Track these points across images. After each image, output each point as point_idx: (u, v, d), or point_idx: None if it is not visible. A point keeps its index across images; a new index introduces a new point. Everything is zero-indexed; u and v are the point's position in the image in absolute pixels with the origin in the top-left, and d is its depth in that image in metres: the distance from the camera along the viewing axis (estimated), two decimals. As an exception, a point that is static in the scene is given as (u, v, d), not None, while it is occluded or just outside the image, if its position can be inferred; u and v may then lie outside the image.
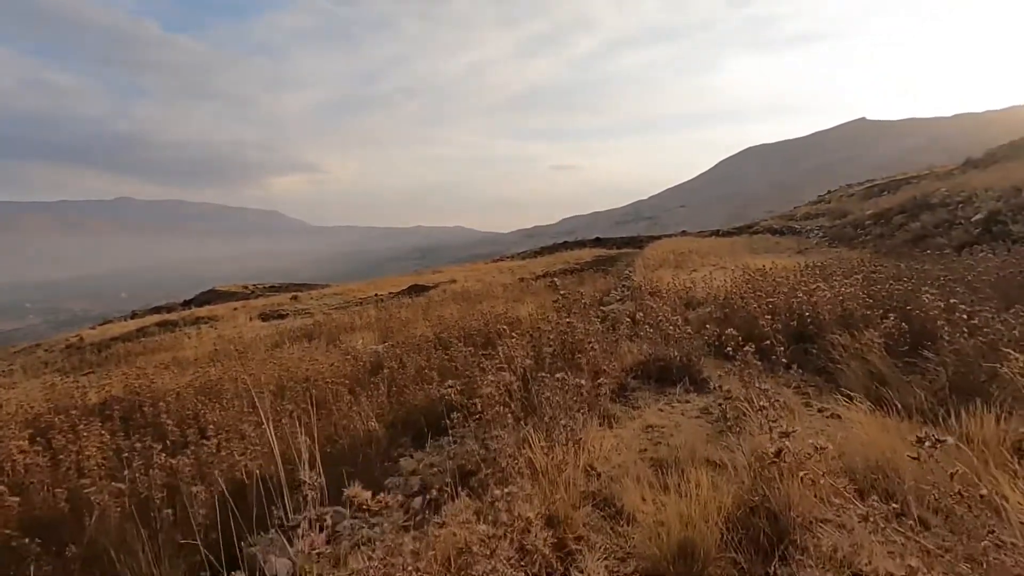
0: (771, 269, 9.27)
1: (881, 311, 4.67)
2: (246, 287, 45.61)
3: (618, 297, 10.96)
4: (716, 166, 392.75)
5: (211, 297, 41.05)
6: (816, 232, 27.42)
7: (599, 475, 2.78)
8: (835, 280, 5.95)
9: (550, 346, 4.57)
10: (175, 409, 5.18)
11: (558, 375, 3.27)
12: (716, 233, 37.27)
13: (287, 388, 5.82)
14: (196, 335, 18.04)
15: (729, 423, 3.40)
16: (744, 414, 3.25)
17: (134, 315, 36.10)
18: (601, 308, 9.74)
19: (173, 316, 27.84)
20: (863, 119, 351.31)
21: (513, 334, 5.03)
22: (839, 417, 3.49)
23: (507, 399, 3.20)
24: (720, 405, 3.76)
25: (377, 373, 6.29)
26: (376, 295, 25.93)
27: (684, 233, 42.40)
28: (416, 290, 23.39)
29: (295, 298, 29.38)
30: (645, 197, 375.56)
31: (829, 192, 42.03)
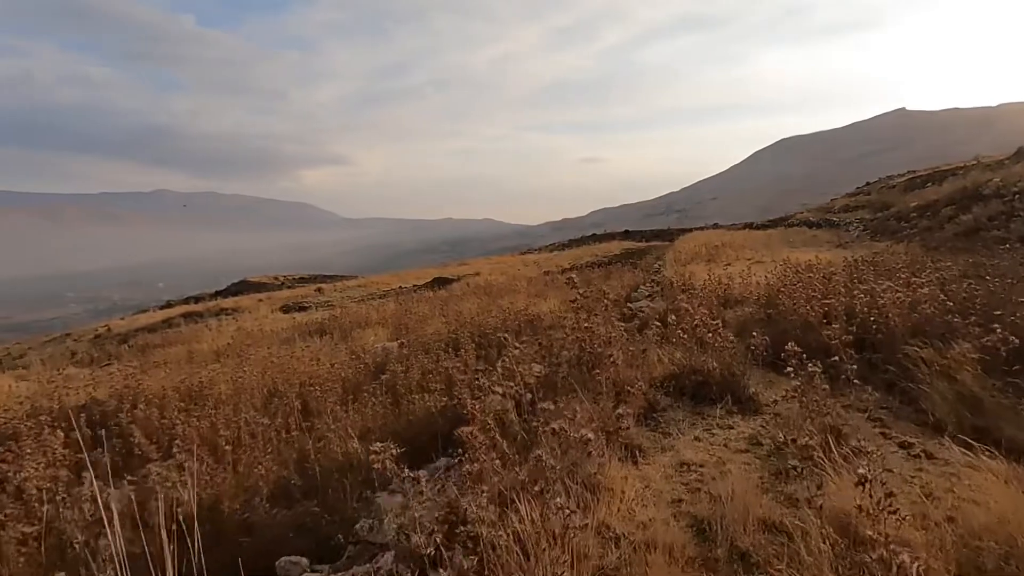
0: (816, 264, 8.42)
1: (972, 318, 3.85)
2: (276, 278, 45.99)
3: (646, 293, 10.20)
4: (749, 158, 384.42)
5: (242, 288, 41.36)
6: (856, 225, 26.23)
7: (618, 540, 2.11)
8: (900, 277, 5.13)
9: (567, 351, 3.90)
10: (153, 417, 4.65)
11: (565, 411, 2.60)
12: (749, 226, 36.00)
13: (280, 393, 5.26)
14: (216, 327, 17.78)
15: (792, 464, 2.68)
16: (811, 455, 2.52)
17: (168, 304, 36.58)
18: (628, 306, 9.01)
19: (199, 307, 27.82)
20: (902, 109, 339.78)
21: (522, 339, 4.39)
22: (931, 457, 2.74)
23: (496, 437, 2.54)
24: (774, 435, 3.03)
25: (379, 377, 5.70)
26: (400, 287, 25.51)
27: (716, 226, 41.13)
28: (439, 283, 22.88)
29: (319, 290, 29.15)
30: (676, 189, 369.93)
31: (868, 184, 40.40)
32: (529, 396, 3.28)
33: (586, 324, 3.73)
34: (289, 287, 38.05)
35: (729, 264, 14.31)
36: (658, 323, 5.17)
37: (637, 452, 2.95)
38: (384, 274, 37.09)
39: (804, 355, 3.04)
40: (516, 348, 3.89)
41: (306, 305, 22.29)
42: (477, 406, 2.62)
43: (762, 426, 3.38)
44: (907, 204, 25.42)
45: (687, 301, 5.17)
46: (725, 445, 3.21)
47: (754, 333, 4.59)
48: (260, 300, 27.60)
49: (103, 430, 4.42)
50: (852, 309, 4.46)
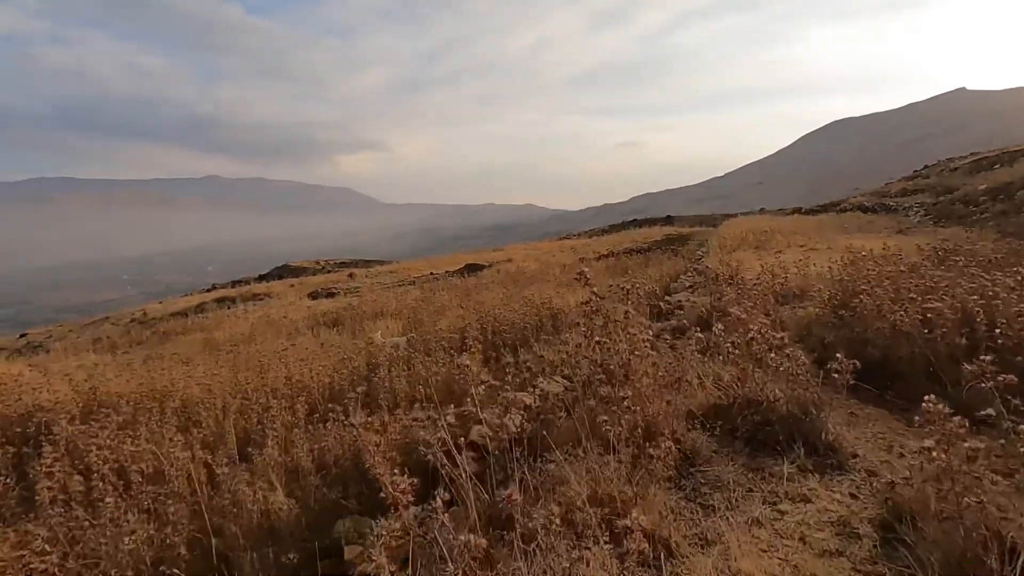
0: (886, 252, 7.21)
1: None
2: (317, 263, 46.54)
3: (687, 284, 9.12)
4: (796, 142, 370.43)
5: (284, 272, 41.88)
6: (916, 209, 24.49)
7: None
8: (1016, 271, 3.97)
9: (579, 371, 3.00)
10: (78, 439, 3.90)
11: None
12: (798, 211, 34.11)
13: (247, 403, 4.49)
14: (243, 314, 17.43)
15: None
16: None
17: (214, 287, 37.23)
18: (666, 299, 7.97)
19: (233, 292, 27.85)
20: (962, 89, 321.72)
21: (542, 338, 3.49)
22: None
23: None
24: (880, 518, 2.03)
25: (367, 382, 4.88)
26: (431, 274, 24.95)
27: (762, 211, 39.30)
28: (471, 269, 22.15)
29: (352, 276, 28.84)
30: (720, 175, 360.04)
31: (926, 167, 38.14)
32: (520, 436, 2.40)
33: (598, 339, 2.79)
34: (328, 272, 38.12)
35: (780, 251, 13.04)
36: (700, 326, 4.20)
37: (666, 548, 2.01)
38: (419, 260, 36.65)
39: (888, 375, 2.07)
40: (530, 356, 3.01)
41: (335, 291, 21.83)
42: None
43: (853, 495, 2.36)
44: (975, 187, 23.56)
45: (736, 303, 4.16)
46: (802, 538, 2.14)
47: (824, 341, 3.58)
48: (292, 286, 27.46)
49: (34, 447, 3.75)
50: (968, 313, 3.37)
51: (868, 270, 4.93)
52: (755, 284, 5.69)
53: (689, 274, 10.80)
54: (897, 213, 25.61)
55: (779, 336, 2.80)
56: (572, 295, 9.84)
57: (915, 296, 3.55)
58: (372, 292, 19.01)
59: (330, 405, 3.84)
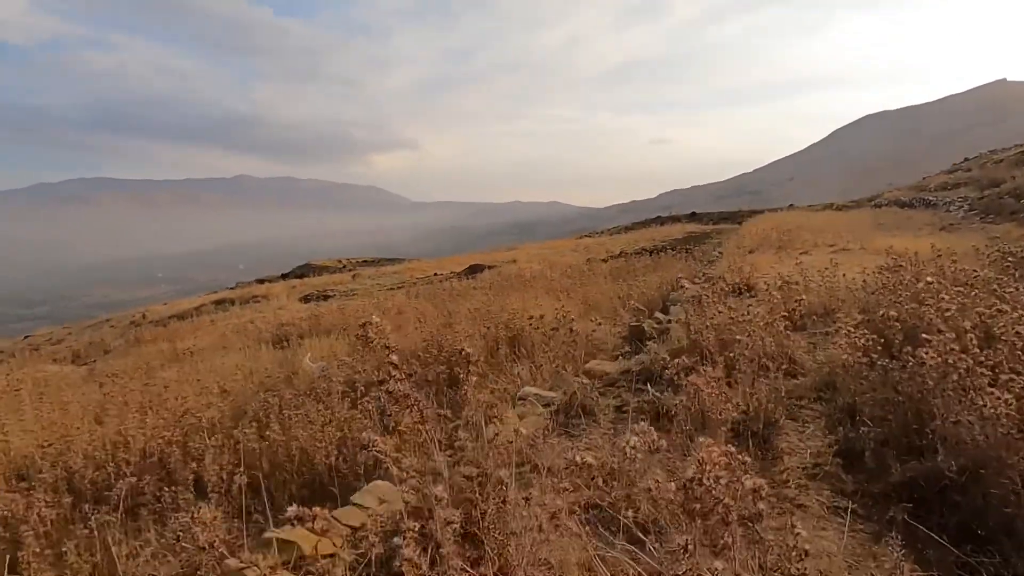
0: (937, 255, 5.65)
1: None
2: (339, 261, 46.16)
3: (688, 295, 7.62)
4: (829, 136, 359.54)
5: (305, 271, 41.51)
6: (959, 204, 22.67)
7: None
8: None
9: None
10: None
11: None
12: (830, 207, 32.01)
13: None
14: (223, 319, 16.46)
15: None
16: None
17: (237, 285, 36.96)
18: (657, 316, 6.52)
19: (233, 294, 27.13)
20: (1003, 80, 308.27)
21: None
22: None
23: None
24: None
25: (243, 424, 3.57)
26: (435, 274, 23.90)
27: (792, 207, 37.16)
28: (473, 270, 20.93)
29: (355, 276, 27.88)
30: (750, 170, 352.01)
31: (967, 159, 35.79)
32: None
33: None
34: (347, 270, 37.38)
35: (805, 252, 11.42)
36: (670, 379, 2.82)
37: None
38: (431, 260, 35.60)
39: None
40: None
41: (330, 294, 20.77)
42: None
43: None
44: (1024, 180, 21.73)
45: (715, 349, 2.73)
46: None
47: (855, 410, 2.15)
48: (294, 287, 26.59)
49: None
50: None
51: (915, 282, 3.45)
52: (764, 289, 4.23)
53: (695, 280, 9.29)
54: (938, 208, 23.79)
55: (751, 486, 1.38)
56: (557, 302, 8.46)
57: (1017, 342, 2.11)
58: (366, 296, 17.88)
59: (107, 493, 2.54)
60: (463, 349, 2.62)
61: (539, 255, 24.78)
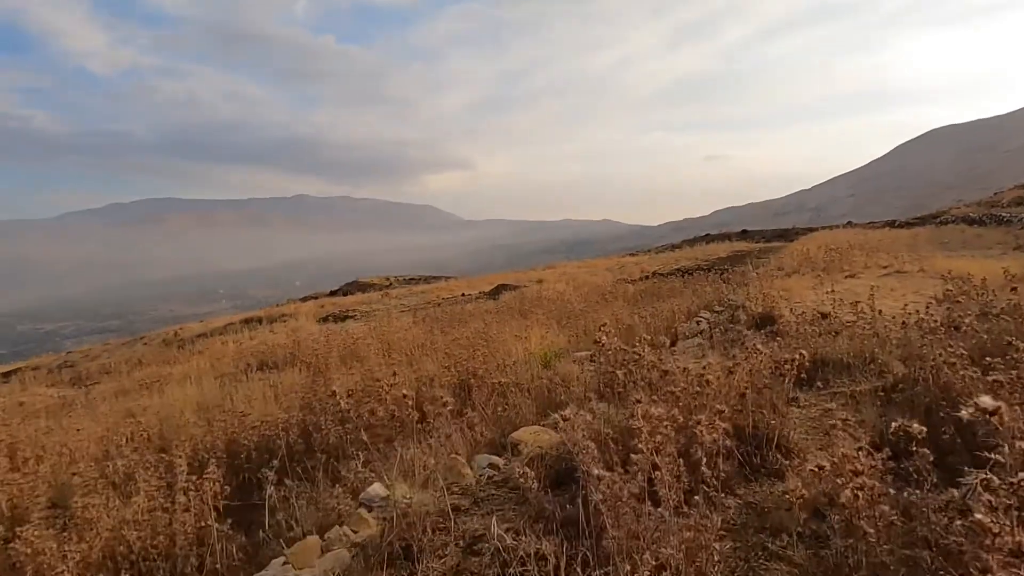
0: (1013, 281, 4.35)
1: None
2: (386, 278, 46.36)
3: (705, 326, 6.46)
4: (892, 151, 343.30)
5: (352, 288, 41.77)
6: (1038, 221, 20.59)
7: None
8: None
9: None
10: None
11: None
12: (891, 224, 29.64)
13: None
14: (234, 341, 16.00)
15: None
16: None
17: (288, 302, 37.42)
18: (672, 348, 5.40)
19: (261, 313, 27.04)
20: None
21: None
22: None
23: None
24: None
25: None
26: (462, 295, 23.12)
27: (849, 224, 34.82)
28: (499, 291, 20.01)
29: (385, 295, 27.37)
30: (808, 187, 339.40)
31: (1047, 174, 32.70)
32: None
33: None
34: (395, 287, 37.27)
35: (851, 275, 9.98)
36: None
37: None
38: (462, 279, 34.91)
39: None
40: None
41: (351, 314, 20.19)
42: None
43: None
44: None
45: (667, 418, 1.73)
46: None
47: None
48: (322, 306, 26.21)
49: None
50: None
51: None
52: (785, 324, 3.11)
53: (720, 307, 8.09)
54: (1012, 225, 21.65)
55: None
56: (549, 334, 7.41)
57: None
58: (384, 317, 17.17)
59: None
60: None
61: (569, 274, 23.69)
